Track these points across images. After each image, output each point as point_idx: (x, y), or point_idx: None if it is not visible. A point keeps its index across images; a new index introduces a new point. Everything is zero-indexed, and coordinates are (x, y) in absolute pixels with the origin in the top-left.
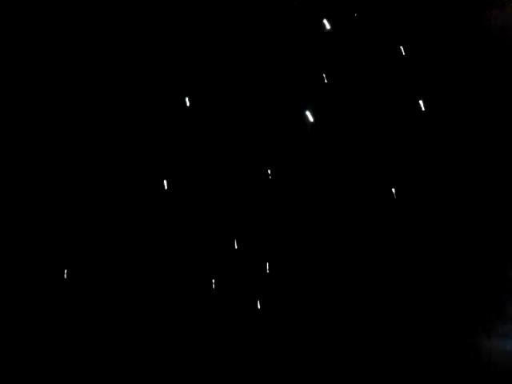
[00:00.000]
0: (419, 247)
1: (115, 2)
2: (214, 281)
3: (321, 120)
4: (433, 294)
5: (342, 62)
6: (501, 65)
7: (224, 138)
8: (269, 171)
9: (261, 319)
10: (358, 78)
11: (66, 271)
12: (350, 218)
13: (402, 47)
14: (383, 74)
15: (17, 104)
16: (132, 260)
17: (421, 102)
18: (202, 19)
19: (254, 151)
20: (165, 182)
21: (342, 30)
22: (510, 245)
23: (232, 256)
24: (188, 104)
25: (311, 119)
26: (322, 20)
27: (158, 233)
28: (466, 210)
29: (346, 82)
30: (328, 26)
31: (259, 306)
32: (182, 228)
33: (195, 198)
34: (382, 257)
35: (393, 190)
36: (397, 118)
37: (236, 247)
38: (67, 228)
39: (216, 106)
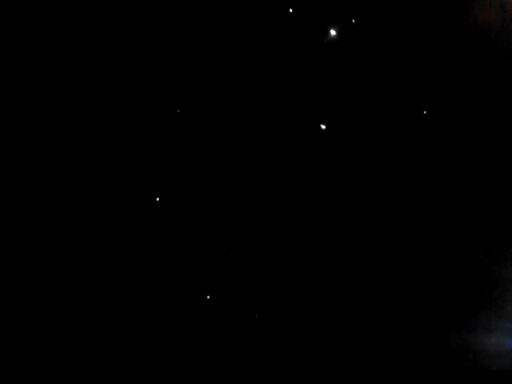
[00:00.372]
0: (419, 246)
1: (115, 2)
2: (209, 288)
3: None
4: (431, 293)
5: (346, 68)
6: (501, 65)
7: (225, 142)
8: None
9: (258, 327)
10: (360, 83)
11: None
12: (352, 224)
13: (401, 48)
14: (384, 77)
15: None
16: (125, 268)
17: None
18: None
19: (253, 155)
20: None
21: (345, 36)
22: (509, 243)
23: (228, 264)
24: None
25: (323, 127)
26: (326, 27)
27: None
28: (466, 210)
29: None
30: (333, 33)
31: (256, 315)
32: (176, 233)
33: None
34: (382, 255)
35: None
36: (398, 119)
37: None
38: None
39: (219, 112)
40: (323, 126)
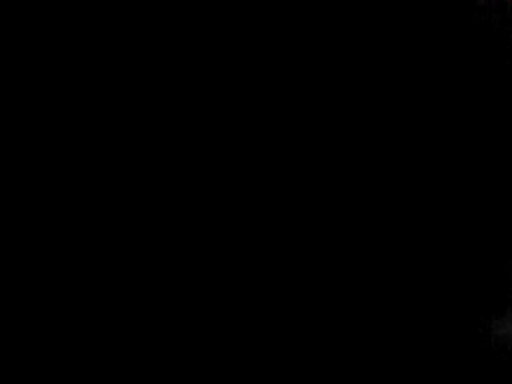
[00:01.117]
0: (419, 244)
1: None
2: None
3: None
4: (432, 289)
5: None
6: (501, 64)
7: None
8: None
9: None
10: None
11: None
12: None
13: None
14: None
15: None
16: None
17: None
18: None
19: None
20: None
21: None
22: (510, 244)
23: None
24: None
25: None
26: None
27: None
28: (467, 209)
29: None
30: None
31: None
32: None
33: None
34: (383, 254)
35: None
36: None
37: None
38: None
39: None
40: None
